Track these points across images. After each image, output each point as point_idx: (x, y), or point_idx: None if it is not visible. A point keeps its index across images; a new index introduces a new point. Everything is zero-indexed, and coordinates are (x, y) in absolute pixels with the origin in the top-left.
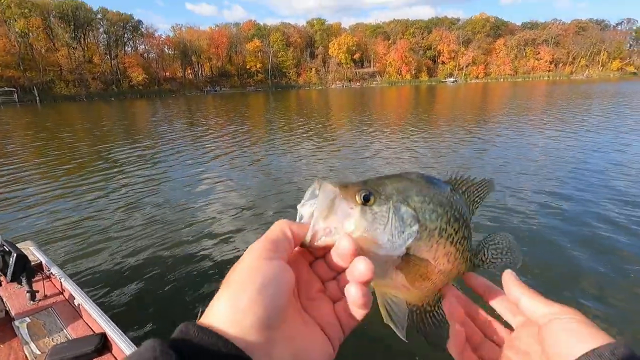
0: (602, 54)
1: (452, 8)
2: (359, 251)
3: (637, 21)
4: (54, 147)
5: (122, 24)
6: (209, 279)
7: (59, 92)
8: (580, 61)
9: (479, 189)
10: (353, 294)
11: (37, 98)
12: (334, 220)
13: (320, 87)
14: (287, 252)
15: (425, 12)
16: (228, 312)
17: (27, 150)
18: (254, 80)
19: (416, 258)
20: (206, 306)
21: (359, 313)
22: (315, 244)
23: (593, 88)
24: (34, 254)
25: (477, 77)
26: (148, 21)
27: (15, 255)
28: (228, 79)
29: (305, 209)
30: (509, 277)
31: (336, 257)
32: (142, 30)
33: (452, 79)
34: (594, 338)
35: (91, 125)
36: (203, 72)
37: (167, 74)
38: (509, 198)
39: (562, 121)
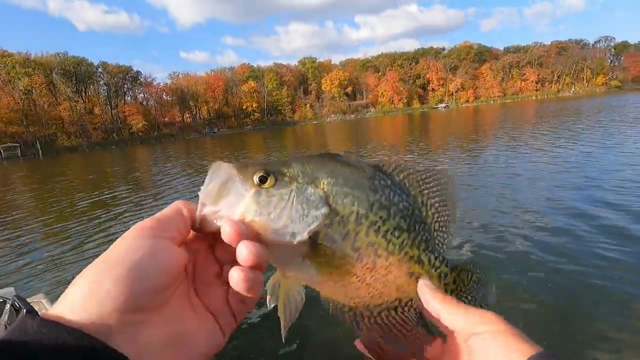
0: (585, 71)
1: (435, 39)
2: (251, 236)
3: (614, 38)
4: (52, 198)
5: (122, 75)
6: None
7: (61, 144)
8: (565, 79)
9: (429, 180)
10: (234, 278)
11: (40, 151)
12: (224, 204)
13: (316, 122)
14: (179, 232)
15: (410, 44)
16: (85, 296)
17: (31, 203)
18: (250, 120)
19: (325, 246)
20: None
21: (247, 299)
22: (204, 228)
23: (585, 104)
24: (46, 308)
25: (467, 101)
26: (146, 70)
27: (24, 311)
28: (225, 120)
29: (204, 193)
30: (424, 289)
31: (226, 241)
32: (141, 79)
33: (443, 105)
34: (510, 354)
35: (81, 176)
36: (201, 115)
37: (166, 119)
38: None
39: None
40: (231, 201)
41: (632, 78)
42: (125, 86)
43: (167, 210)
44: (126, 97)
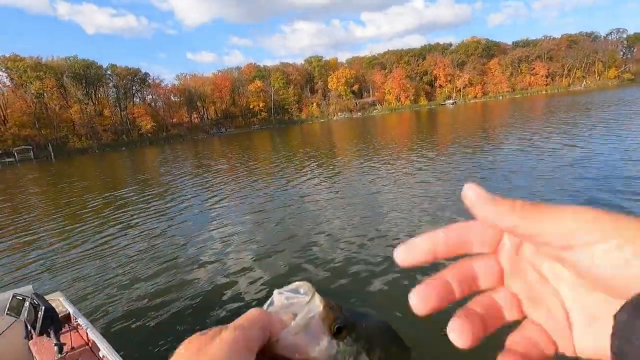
0: (596, 64)
1: (442, 35)
2: None
3: (626, 30)
4: (65, 198)
5: (130, 77)
6: None
7: (73, 146)
8: (576, 72)
9: None
10: None
11: (52, 154)
12: (302, 338)
13: (322, 120)
14: (257, 349)
15: (416, 41)
16: None
17: (44, 203)
18: (257, 119)
19: None
20: None
21: None
22: (275, 349)
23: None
24: (63, 305)
25: (475, 97)
26: (153, 72)
27: (43, 308)
28: (233, 120)
29: (280, 298)
30: (474, 197)
31: None
32: (149, 81)
33: (451, 101)
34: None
35: (92, 177)
36: (208, 116)
37: (174, 119)
38: None
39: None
40: (308, 339)
41: None
42: (134, 88)
43: (251, 323)
44: (135, 99)
